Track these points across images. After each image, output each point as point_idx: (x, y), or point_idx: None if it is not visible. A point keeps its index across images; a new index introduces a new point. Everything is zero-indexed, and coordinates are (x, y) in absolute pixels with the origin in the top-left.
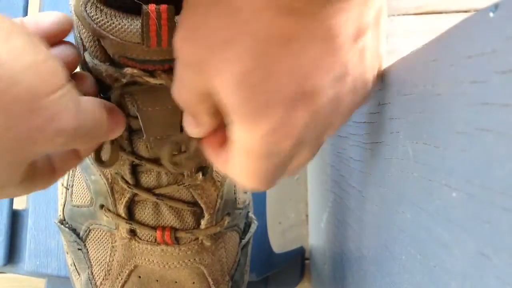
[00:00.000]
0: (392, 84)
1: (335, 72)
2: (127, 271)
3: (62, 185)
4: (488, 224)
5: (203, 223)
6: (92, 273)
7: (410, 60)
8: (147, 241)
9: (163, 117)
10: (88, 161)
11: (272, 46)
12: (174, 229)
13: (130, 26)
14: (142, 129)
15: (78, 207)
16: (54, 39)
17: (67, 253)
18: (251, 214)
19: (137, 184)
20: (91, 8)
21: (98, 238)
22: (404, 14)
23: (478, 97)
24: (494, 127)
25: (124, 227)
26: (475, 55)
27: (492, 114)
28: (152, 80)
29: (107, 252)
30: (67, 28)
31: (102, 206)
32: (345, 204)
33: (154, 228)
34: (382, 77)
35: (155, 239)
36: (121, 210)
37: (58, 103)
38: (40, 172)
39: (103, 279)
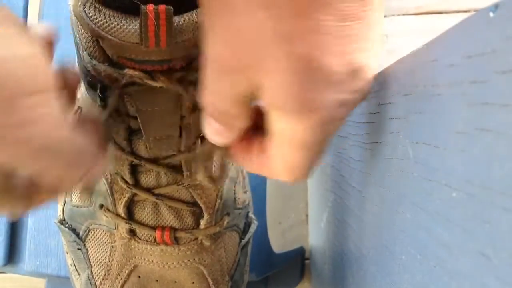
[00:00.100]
0: (392, 84)
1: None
2: (126, 271)
3: None
4: (488, 224)
5: (202, 223)
6: (92, 273)
7: (410, 60)
8: (146, 241)
9: (162, 117)
10: None
11: (323, 37)
12: (173, 229)
13: (128, 26)
14: (141, 129)
15: (77, 207)
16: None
17: (67, 253)
18: (251, 214)
19: (137, 184)
20: (89, 9)
21: (98, 238)
22: (404, 14)
23: (478, 97)
24: (494, 127)
25: (123, 227)
26: (475, 55)
27: (492, 114)
28: (152, 83)
29: (106, 252)
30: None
31: (101, 206)
32: (345, 204)
33: (153, 228)
34: (382, 77)
35: (155, 239)
36: (121, 210)
37: (33, 109)
38: (15, 195)
39: (103, 279)
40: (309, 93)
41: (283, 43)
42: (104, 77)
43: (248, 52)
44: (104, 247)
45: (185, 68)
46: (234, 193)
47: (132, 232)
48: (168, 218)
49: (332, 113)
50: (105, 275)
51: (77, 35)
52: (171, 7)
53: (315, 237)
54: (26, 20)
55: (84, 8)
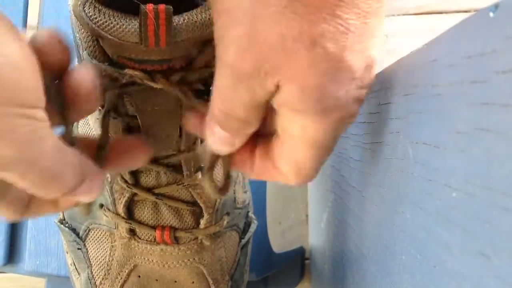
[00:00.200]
0: (392, 84)
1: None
2: (126, 271)
3: None
4: (488, 224)
5: (202, 222)
6: (92, 273)
7: (410, 60)
8: (146, 240)
9: (162, 117)
10: None
11: (349, 36)
12: (173, 229)
13: (128, 26)
14: (141, 129)
15: (77, 206)
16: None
17: (67, 253)
18: (251, 214)
19: (137, 183)
20: (89, 8)
21: (98, 237)
22: (404, 14)
23: (478, 97)
24: (494, 127)
25: (123, 226)
26: (475, 55)
27: (492, 114)
28: (151, 84)
29: (106, 251)
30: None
31: (101, 206)
32: (345, 204)
33: (153, 227)
34: (382, 77)
35: (155, 239)
36: (121, 210)
37: (6, 120)
38: (11, 200)
39: (103, 278)
40: (334, 93)
41: (313, 45)
42: (104, 77)
43: (268, 58)
44: (104, 246)
45: (185, 68)
46: (234, 193)
47: (132, 232)
48: (168, 217)
49: (350, 110)
50: (105, 274)
51: (77, 35)
52: (171, 7)
53: (315, 237)
54: (26, 20)
55: (83, 7)
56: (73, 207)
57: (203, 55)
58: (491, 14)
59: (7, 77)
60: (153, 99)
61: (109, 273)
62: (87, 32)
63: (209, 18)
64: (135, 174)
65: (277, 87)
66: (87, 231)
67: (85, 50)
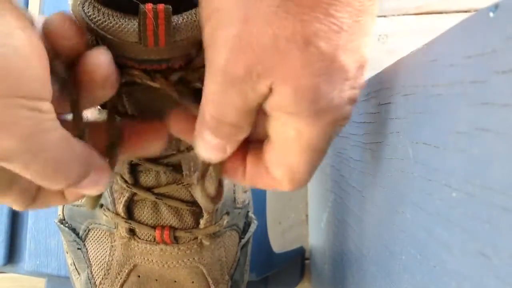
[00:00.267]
0: (392, 84)
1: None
2: (126, 271)
3: None
4: (488, 224)
5: (202, 222)
6: (92, 273)
7: (410, 60)
8: (146, 240)
9: (162, 116)
10: None
11: (342, 35)
12: (173, 229)
13: (127, 25)
14: None
15: (77, 206)
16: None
17: (67, 253)
18: (251, 214)
19: (136, 183)
20: (88, 8)
21: (98, 237)
22: (404, 14)
23: (478, 97)
24: (494, 127)
25: (123, 226)
26: (475, 55)
27: (492, 114)
28: (150, 83)
29: (106, 251)
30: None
31: (101, 206)
32: (345, 204)
33: (153, 227)
34: (382, 77)
35: (154, 239)
36: (120, 210)
37: (10, 111)
38: (19, 190)
39: (103, 278)
40: (328, 94)
41: (306, 45)
42: None
43: (260, 60)
44: (103, 246)
45: (184, 67)
46: (234, 193)
47: (131, 232)
48: (167, 217)
49: (343, 111)
50: (104, 274)
51: None
52: (170, 7)
53: (315, 237)
54: None
55: (83, 7)
56: (80, 199)
57: (202, 55)
58: (491, 14)
59: (10, 67)
60: (153, 99)
61: (108, 273)
62: (86, 32)
63: None
64: (134, 173)
65: (270, 90)
66: (86, 231)
67: None
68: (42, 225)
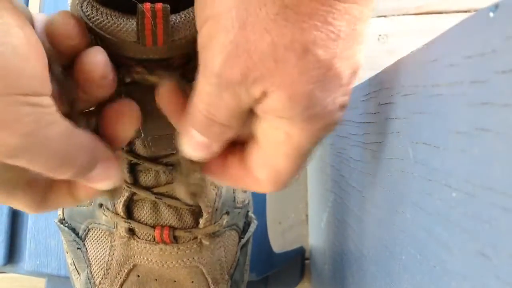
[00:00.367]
0: (392, 84)
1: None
2: (126, 270)
3: None
4: (488, 224)
5: (201, 222)
6: (91, 272)
7: (410, 60)
8: (145, 240)
9: (161, 116)
10: None
11: (339, 42)
12: (172, 228)
13: (125, 25)
14: (140, 128)
15: (77, 206)
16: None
17: (67, 253)
18: (250, 214)
19: (136, 183)
20: (87, 7)
21: (97, 237)
22: (404, 14)
23: (478, 97)
24: (494, 127)
25: (122, 226)
26: (475, 55)
27: (492, 114)
28: (150, 77)
29: (106, 251)
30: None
31: (101, 205)
32: (345, 204)
33: (152, 227)
34: (382, 77)
35: (154, 238)
36: (120, 209)
37: (10, 109)
38: (26, 191)
39: (102, 278)
40: (322, 100)
41: (304, 53)
42: None
43: (257, 67)
44: (103, 246)
45: (183, 66)
46: (234, 192)
47: (131, 231)
48: (167, 217)
49: (335, 117)
50: (104, 274)
51: None
52: (168, 6)
53: (315, 237)
54: None
55: (81, 6)
56: (92, 198)
57: None
58: (491, 14)
59: (9, 66)
60: (152, 98)
61: (108, 273)
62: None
63: None
64: (134, 173)
65: (264, 94)
66: (86, 230)
67: None
68: (42, 225)
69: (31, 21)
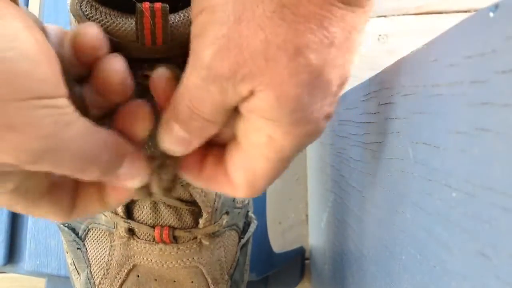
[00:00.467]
0: (392, 84)
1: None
2: (125, 270)
3: None
4: (488, 224)
5: (201, 222)
6: (91, 272)
7: (410, 60)
8: (145, 240)
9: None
10: None
11: (333, 50)
12: (172, 228)
13: (124, 24)
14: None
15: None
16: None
17: (67, 253)
18: (250, 214)
19: None
20: (86, 6)
21: (97, 237)
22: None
23: (478, 97)
24: (494, 127)
25: (122, 226)
26: (475, 55)
27: (492, 114)
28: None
29: (105, 251)
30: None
31: None
32: (345, 204)
33: (152, 227)
34: (382, 77)
35: (154, 238)
36: (120, 209)
37: (26, 114)
38: (52, 200)
39: (102, 278)
40: (309, 106)
41: (296, 55)
42: None
43: (247, 63)
44: (103, 246)
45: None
46: None
47: (131, 231)
48: (167, 217)
49: (319, 125)
50: (104, 274)
51: None
52: (167, 5)
53: (315, 237)
54: None
55: (80, 6)
56: (122, 202)
57: None
58: (491, 14)
59: (19, 70)
60: (151, 98)
61: (108, 273)
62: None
63: None
64: None
65: (251, 93)
66: (86, 230)
67: None
68: (42, 225)
69: (41, 28)
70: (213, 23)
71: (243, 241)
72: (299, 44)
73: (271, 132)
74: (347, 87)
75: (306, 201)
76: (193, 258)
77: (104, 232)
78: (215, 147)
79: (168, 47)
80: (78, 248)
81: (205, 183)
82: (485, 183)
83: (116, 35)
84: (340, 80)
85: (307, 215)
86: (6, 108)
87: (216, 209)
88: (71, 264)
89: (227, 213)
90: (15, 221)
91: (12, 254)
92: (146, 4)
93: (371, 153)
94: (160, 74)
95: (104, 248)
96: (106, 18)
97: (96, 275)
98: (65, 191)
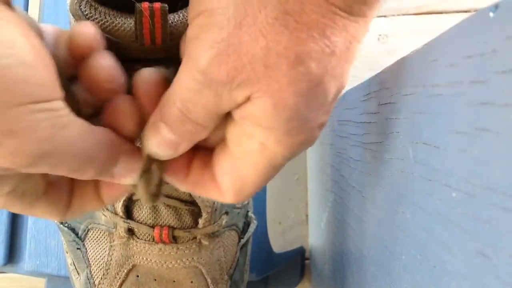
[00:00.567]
0: (392, 84)
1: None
2: (125, 270)
3: None
4: (488, 224)
5: (201, 222)
6: (91, 272)
7: (410, 60)
8: (145, 240)
9: None
10: None
11: (334, 59)
12: (172, 228)
13: (124, 24)
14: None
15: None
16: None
17: (67, 253)
18: (250, 214)
19: None
20: (85, 6)
21: (97, 237)
22: (404, 14)
23: (478, 97)
24: (494, 127)
25: (122, 226)
26: (475, 55)
27: (492, 114)
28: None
29: (105, 251)
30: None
31: None
32: (345, 204)
33: (152, 227)
34: (382, 77)
35: (153, 238)
36: (119, 209)
37: (25, 118)
38: (48, 200)
39: (101, 278)
40: (304, 115)
41: (296, 63)
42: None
43: (245, 70)
44: (102, 246)
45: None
46: None
47: (130, 231)
48: (166, 217)
49: (312, 135)
50: (103, 274)
51: None
52: (166, 5)
53: (315, 237)
54: None
55: (80, 6)
56: (118, 199)
57: None
58: (491, 14)
59: (17, 77)
60: None
61: (107, 273)
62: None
63: None
64: None
65: (247, 99)
66: (86, 231)
67: None
68: (42, 225)
69: (38, 31)
70: (212, 26)
71: (242, 241)
72: (300, 52)
73: (264, 140)
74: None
75: (306, 201)
76: (192, 258)
77: (104, 232)
78: (202, 151)
79: (167, 47)
80: (78, 248)
81: (191, 188)
82: (485, 183)
83: (115, 35)
84: (337, 90)
85: (307, 215)
86: (4, 113)
87: (216, 209)
88: (71, 264)
89: (226, 213)
90: (15, 221)
91: (12, 254)
92: (145, 4)
93: (371, 153)
94: (144, 76)
95: (104, 248)
96: (105, 18)
97: (95, 275)
98: (61, 191)
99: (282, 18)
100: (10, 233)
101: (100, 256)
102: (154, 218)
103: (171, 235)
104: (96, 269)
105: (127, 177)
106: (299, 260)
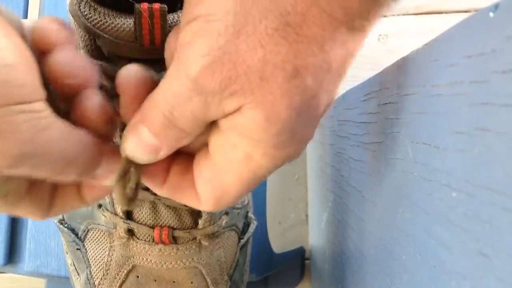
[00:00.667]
0: (392, 84)
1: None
2: (125, 271)
3: None
4: (488, 224)
5: (200, 222)
6: (91, 273)
7: (410, 60)
8: (145, 240)
9: None
10: None
11: (330, 74)
12: (171, 229)
13: (123, 25)
14: None
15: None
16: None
17: (67, 253)
18: (250, 214)
19: None
20: (85, 7)
21: (97, 238)
22: (404, 14)
23: (478, 97)
24: (494, 127)
25: (122, 226)
26: (475, 55)
27: (492, 114)
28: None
29: (105, 252)
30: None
31: (100, 206)
32: (345, 204)
33: (151, 227)
34: (382, 77)
35: (153, 239)
36: (119, 210)
37: (6, 120)
38: (30, 200)
39: (101, 278)
40: (295, 129)
41: (293, 76)
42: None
43: (239, 80)
44: (102, 247)
45: None
46: None
47: (130, 232)
48: (166, 217)
49: (299, 149)
50: (103, 274)
51: None
52: (165, 6)
53: (315, 237)
54: None
55: (79, 6)
56: (100, 198)
57: None
58: (491, 14)
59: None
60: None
61: (107, 273)
62: (83, 31)
63: None
64: None
65: (238, 109)
66: (86, 231)
67: (82, 49)
68: (42, 225)
69: (20, 28)
70: (208, 33)
71: (242, 241)
72: (298, 65)
73: (251, 151)
74: (347, 87)
75: (306, 201)
76: (192, 259)
77: (104, 233)
78: (182, 155)
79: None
80: (77, 249)
81: (169, 193)
82: (485, 183)
83: (114, 36)
84: (328, 104)
85: (307, 215)
86: None
87: None
88: (71, 265)
89: (226, 213)
90: (15, 221)
91: (12, 254)
92: (145, 5)
93: (371, 153)
94: (129, 72)
95: (104, 249)
96: (104, 18)
97: (95, 275)
98: (44, 191)
99: (283, 30)
100: (10, 233)
101: (100, 257)
102: (154, 218)
103: (171, 235)
104: (96, 270)
105: (108, 178)
106: (299, 260)
